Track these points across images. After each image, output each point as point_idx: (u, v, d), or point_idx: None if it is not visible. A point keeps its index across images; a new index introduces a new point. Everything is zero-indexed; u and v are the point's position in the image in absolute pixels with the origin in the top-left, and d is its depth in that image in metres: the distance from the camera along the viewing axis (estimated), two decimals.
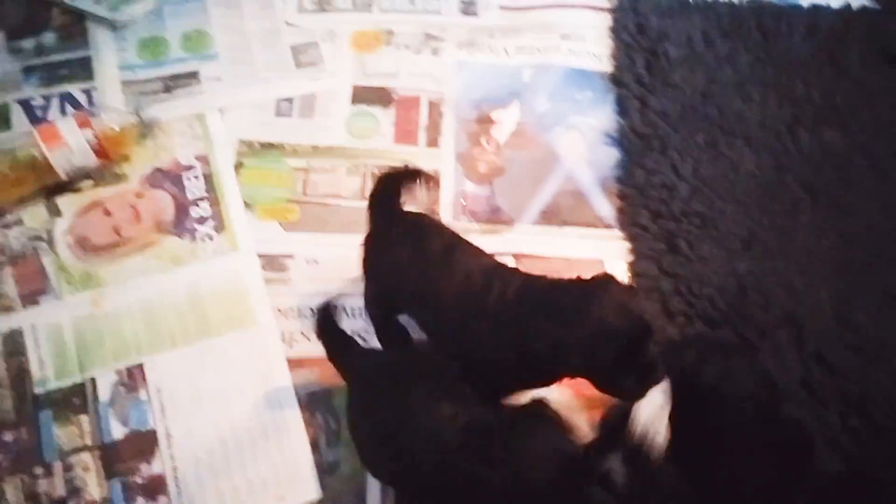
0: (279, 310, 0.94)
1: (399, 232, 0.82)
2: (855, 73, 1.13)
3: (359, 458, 0.78)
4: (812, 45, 1.15)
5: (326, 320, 0.80)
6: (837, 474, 0.83)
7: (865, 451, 0.87)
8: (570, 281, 0.73)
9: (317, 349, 0.86)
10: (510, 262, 0.95)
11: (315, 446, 0.86)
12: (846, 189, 1.04)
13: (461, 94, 1.09)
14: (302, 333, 0.92)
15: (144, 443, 0.86)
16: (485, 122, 1.07)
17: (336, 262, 0.96)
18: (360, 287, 0.89)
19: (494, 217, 1.01)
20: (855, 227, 1.01)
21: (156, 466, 0.85)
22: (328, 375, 0.88)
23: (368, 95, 1.09)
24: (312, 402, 0.89)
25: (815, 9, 1.19)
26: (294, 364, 0.90)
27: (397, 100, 1.09)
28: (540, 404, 0.73)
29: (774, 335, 0.93)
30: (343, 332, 0.81)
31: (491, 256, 0.81)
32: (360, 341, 0.86)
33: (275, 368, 0.90)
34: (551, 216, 1.01)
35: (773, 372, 0.89)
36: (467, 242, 0.81)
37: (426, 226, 0.83)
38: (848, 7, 1.20)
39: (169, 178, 1.02)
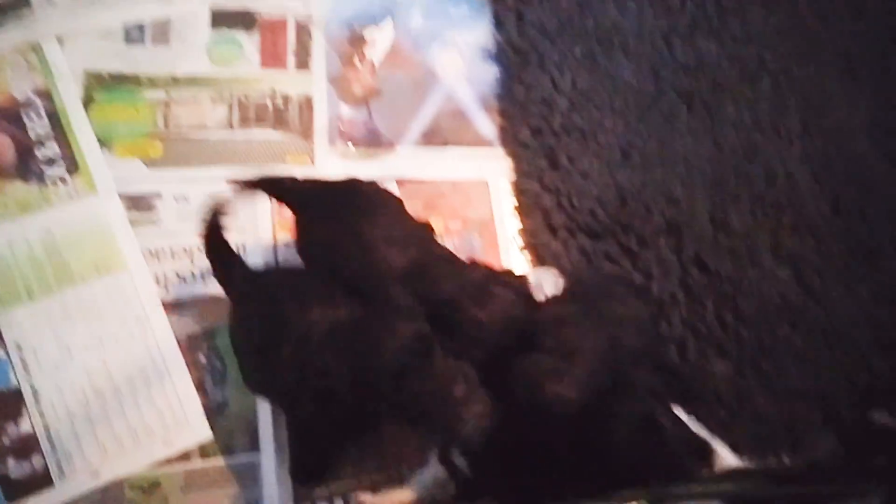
0: (150, 252, 0.88)
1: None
2: None
3: (243, 378, 0.76)
4: None
5: (213, 234, 0.77)
6: None
7: (739, 345, 0.92)
8: None
9: (195, 289, 0.82)
10: (392, 187, 0.94)
11: (201, 388, 0.83)
12: (720, 97, 1.06)
13: (331, 13, 1.03)
14: (177, 274, 0.88)
15: (8, 402, 0.80)
16: (357, 41, 1.02)
17: (207, 198, 0.90)
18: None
19: (373, 140, 0.97)
20: (728, 134, 1.04)
21: (24, 426, 0.80)
22: (208, 315, 0.85)
23: (230, 18, 1.00)
24: (193, 343, 0.85)
25: None
26: (171, 307, 0.86)
27: (262, 22, 1.01)
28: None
29: (656, 243, 0.96)
30: (229, 248, 0.78)
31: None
32: None
33: (150, 313, 0.85)
34: (432, 137, 0.98)
35: (654, 276, 0.93)
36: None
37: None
38: None
39: (5, 116, 0.92)
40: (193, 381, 0.83)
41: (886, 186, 1.04)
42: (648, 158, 1.00)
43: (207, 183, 0.91)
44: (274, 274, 0.82)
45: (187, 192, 0.91)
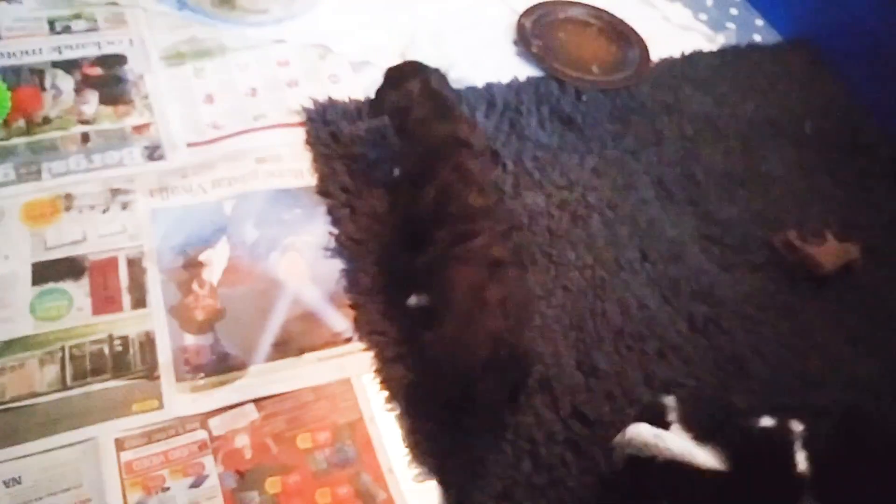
0: None
1: None
2: (534, 138, 1.23)
3: None
4: (494, 119, 1.23)
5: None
6: None
7: None
8: None
9: None
10: (250, 412, 0.88)
11: None
12: (558, 244, 1.10)
13: (162, 244, 1.01)
14: None
15: None
16: (193, 266, 1.00)
17: (44, 475, 0.81)
18: None
19: (223, 365, 0.92)
20: (574, 278, 1.06)
21: None
22: None
23: (54, 271, 0.96)
24: None
25: (489, 86, 1.28)
26: None
27: (91, 266, 0.98)
28: None
29: (531, 403, 0.94)
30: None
31: None
32: None
33: None
34: (286, 347, 0.95)
35: (538, 440, 0.91)
36: None
37: None
38: (516, 79, 1.31)
39: None
40: None
41: (728, 293, 1.09)
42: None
43: (43, 458, 0.82)
44: None
45: (18, 471, 0.82)
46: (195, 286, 0.99)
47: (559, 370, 0.97)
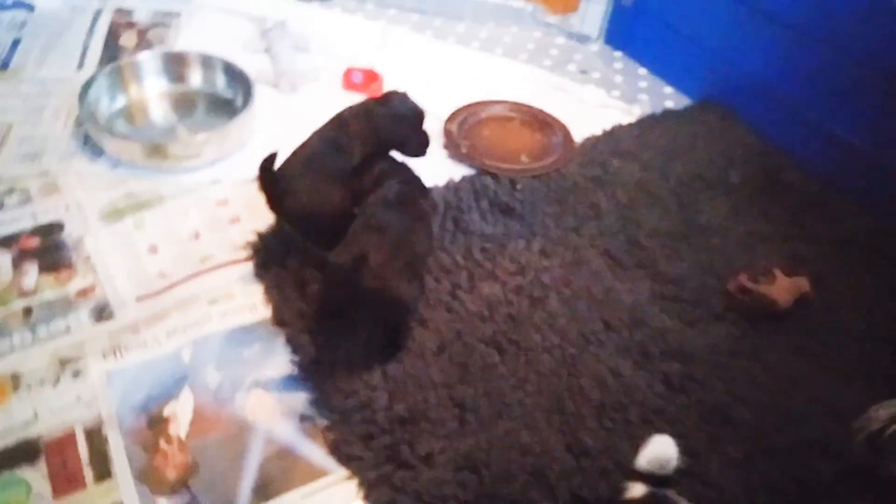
0: None
1: None
2: (479, 231, 1.25)
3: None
4: (438, 220, 1.25)
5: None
6: None
7: None
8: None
9: None
10: None
11: None
12: (520, 329, 1.11)
13: (121, 406, 0.97)
14: None
15: None
16: (158, 423, 0.95)
17: None
18: None
19: None
20: (544, 361, 1.06)
21: None
22: None
23: (7, 458, 0.91)
24: None
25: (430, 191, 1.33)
26: None
27: (46, 446, 0.92)
28: None
29: (528, 500, 0.91)
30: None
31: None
32: None
33: None
34: (266, 490, 0.90)
35: None
36: None
37: None
38: (451, 179, 1.35)
39: None
40: None
41: (696, 346, 1.10)
42: (485, 416, 0.99)
43: None
44: None
45: None
46: (163, 444, 0.94)
47: (549, 457, 0.95)
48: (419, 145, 1.22)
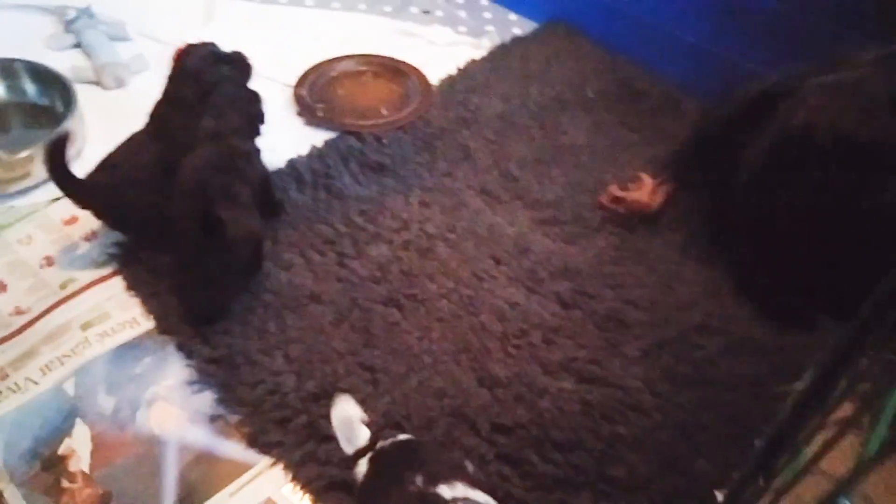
0: None
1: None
2: (355, 195, 1.23)
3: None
4: (309, 192, 1.22)
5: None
6: None
7: None
8: None
9: None
10: None
11: None
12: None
13: (8, 457, 0.90)
14: None
15: None
16: (54, 464, 0.89)
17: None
18: None
19: None
20: None
21: None
22: None
23: None
24: None
25: (292, 162, 1.28)
26: None
27: None
28: None
29: None
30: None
31: None
32: None
33: None
34: (192, 499, 0.87)
35: None
36: None
37: None
38: (314, 147, 1.32)
39: None
40: None
41: (581, 262, 1.15)
42: (396, 373, 0.99)
43: None
44: None
45: None
46: (65, 483, 0.88)
47: (465, 396, 0.97)
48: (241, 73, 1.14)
